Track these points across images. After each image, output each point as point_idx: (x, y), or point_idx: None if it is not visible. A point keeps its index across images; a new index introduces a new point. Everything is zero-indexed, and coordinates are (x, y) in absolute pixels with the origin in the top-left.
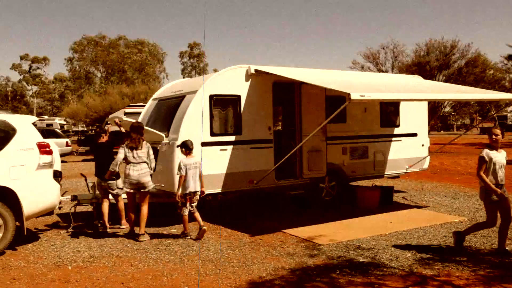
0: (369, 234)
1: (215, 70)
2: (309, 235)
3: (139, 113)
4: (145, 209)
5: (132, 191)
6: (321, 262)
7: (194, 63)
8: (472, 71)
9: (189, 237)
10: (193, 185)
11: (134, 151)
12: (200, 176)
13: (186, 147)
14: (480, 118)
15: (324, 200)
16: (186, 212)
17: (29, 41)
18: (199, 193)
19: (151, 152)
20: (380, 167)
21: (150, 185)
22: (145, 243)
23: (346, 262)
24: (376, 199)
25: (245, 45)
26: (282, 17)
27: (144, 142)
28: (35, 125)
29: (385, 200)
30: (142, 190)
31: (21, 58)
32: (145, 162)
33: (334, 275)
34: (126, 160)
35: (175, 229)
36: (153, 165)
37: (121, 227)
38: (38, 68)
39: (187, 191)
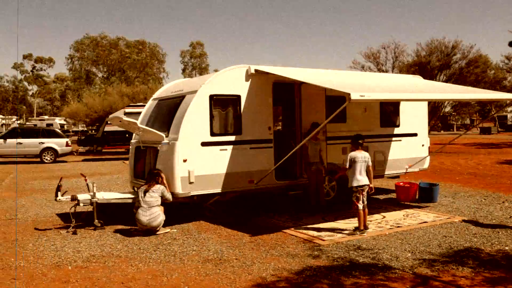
0: (369, 234)
1: (216, 70)
2: (309, 235)
3: (139, 113)
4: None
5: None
6: (321, 262)
7: (196, 63)
8: (473, 71)
9: (365, 234)
10: (362, 179)
11: (146, 194)
12: (369, 172)
13: (355, 142)
14: (480, 118)
15: (324, 200)
16: (360, 206)
17: (29, 41)
18: (366, 187)
19: (165, 193)
20: (380, 167)
21: (160, 227)
22: (145, 243)
23: (346, 263)
24: (412, 194)
25: (245, 45)
26: (282, 17)
27: (158, 186)
28: (35, 125)
29: (427, 197)
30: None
31: (24, 57)
32: (156, 205)
33: (334, 276)
34: (137, 204)
35: (175, 229)
36: (169, 196)
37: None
38: (42, 69)
39: (358, 184)
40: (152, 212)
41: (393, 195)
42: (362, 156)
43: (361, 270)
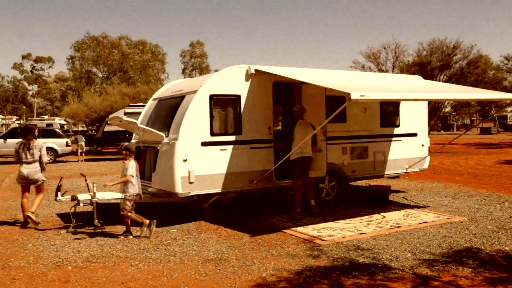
0: (369, 234)
1: (216, 70)
2: (309, 235)
3: (139, 113)
4: (39, 197)
5: (24, 184)
6: (321, 263)
7: (196, 63)
8: (474, 72)
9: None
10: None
11: (26, 151)
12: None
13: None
14: (480, 118)
15: (324, 200)
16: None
17: (29, 41)
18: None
19: (43, 151)
20: (380, 167)
21: (41, 180)
22: (145, 243)
23: (346, 263)
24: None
25: (245, 45)
26: (282, 16)
27: (37, 141)
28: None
29: (379, 201)
30: (33, 184)
31: (23, 57)
32: (36, 161)
33: (334, 276)
34: (16, 159)
35: (175, 229)
36: (44, 159)
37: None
38: (41, 68)
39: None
40: (33, 166)
41: (394, 195)
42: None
43: (361, 270)
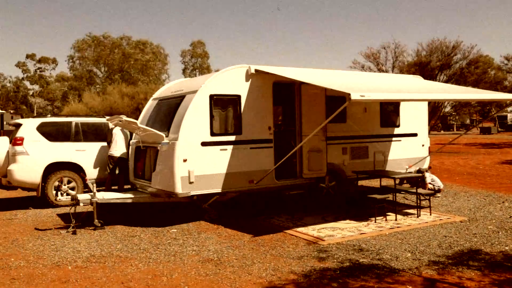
0: (369, 234)
1: (217, 70)
2: (309, 235)
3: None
4: None
5: None
6: (322, 263)
7: (196, 63)
8: (474, 72)
9: None
10: None
11: None
12: None
13: None
14: (480, 118)
15: (324, 199)
16: None
17: (30, 40)
18: None
19: None
20: (380, 167)
21: None
22: (145, 243)
23: (346, 263)
24: None
25: (245, 45)
26: (282, 16)
27: None
28: None
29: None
30: None
31: (27, 56)
32: None
33: (334, 276)
34: None
35: (175, 229)
36: None
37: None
38: (45, 69)
39: None
40: None
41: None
42: None
43: (361, 271)
